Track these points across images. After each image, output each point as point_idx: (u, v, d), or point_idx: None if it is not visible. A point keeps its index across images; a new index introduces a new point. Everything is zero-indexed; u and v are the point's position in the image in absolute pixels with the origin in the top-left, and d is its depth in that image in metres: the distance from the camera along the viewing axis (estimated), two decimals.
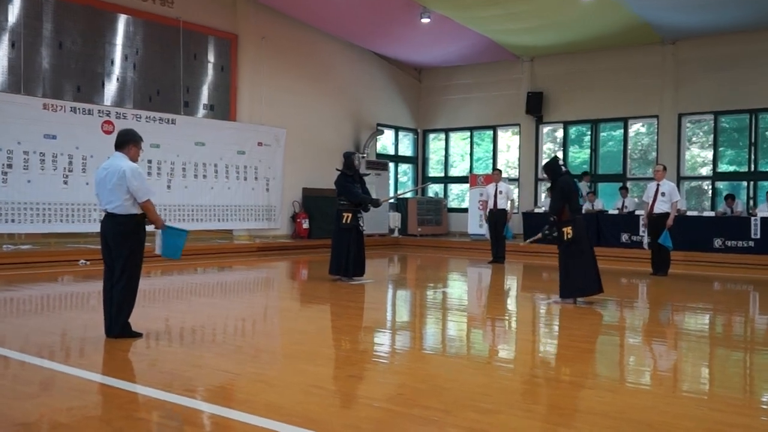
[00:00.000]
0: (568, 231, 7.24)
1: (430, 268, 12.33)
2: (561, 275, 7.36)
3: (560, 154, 16.80)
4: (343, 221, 8.98)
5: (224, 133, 14.22)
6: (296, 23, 15.64)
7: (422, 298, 8.31)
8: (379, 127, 18.09)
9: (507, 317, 7.04)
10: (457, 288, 9.82)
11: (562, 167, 7.38)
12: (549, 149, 17.91)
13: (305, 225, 15.34)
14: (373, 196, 9.57)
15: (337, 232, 9.04)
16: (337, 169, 9.38)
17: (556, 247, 7.52)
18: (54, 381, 4.13)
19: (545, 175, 7.53)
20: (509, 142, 18.74)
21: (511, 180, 17.34)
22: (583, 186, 15.31)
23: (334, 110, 16.76)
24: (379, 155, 18.27)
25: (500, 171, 12.72)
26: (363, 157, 16.31)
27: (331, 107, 16.63)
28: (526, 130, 17.70)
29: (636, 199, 15.03)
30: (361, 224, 9.10)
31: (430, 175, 19.60)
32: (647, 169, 16.31)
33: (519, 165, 18.01)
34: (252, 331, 6.04)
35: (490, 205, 12.18)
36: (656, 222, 10.36)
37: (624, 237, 13.83)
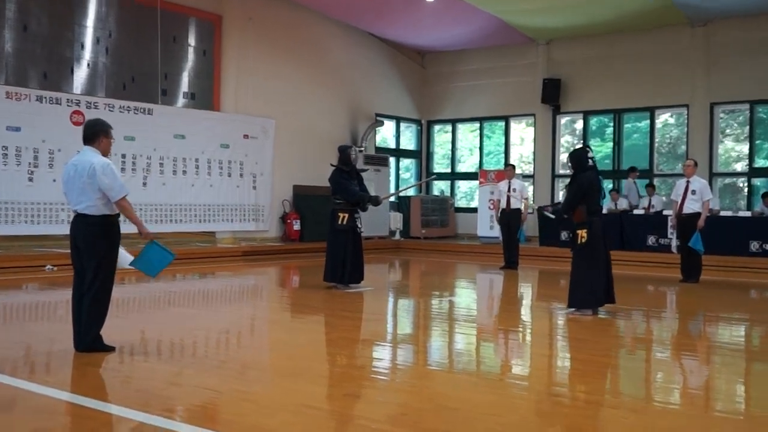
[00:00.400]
0: (582, 234, 7.25)
1: (435, 274, 12.37)
2: (571, 282, 7.41)
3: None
4: (339, 222, 9.00)
5: (206, 125, 14.25)
6: (286, 2, 15.61)
7: (427, 307, 8.33)
8: (379, 118, 18.10)
9: (520, 329, 7.07)
10: (466, 296, 9.86)
11: (590, 160, 7.35)
12: (567, 142, 17.94)
13: (296, 226, 15.34)
14: (372, 193, 9.51)
15: (332, 234, 9.06)
16: (332, 164, 9.39)
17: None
18: (16, 400, 4.13)
19: (569, 164, 7.52)
20: (523, 134, 18.74)
21: (525, 177, 17.32)
22: (629, 183, 15.27)
23: (329, 99, 16.77)
24: (378, 149, 18.31)
25: (513, 166, 12.75)
26: (360, 151, 16.35)
27: (325, 96, 16.64)
28: (541, 121, 17.71)
29: (664, 198, 15.05)
30: (359, 225, 9.12)
31: (436, 170, 19.64)
32: (676, 165, 16.32)
33: (534, 160, 18.03)
34: (237, 345, 6.06)
35: (503, 204, 12.23)
36: (686, 223, 10.39)
37: (651, 240, 13.83)
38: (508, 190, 12.11)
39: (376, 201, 9.13)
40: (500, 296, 9.82)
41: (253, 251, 13.81)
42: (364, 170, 9.76)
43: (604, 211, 13.06)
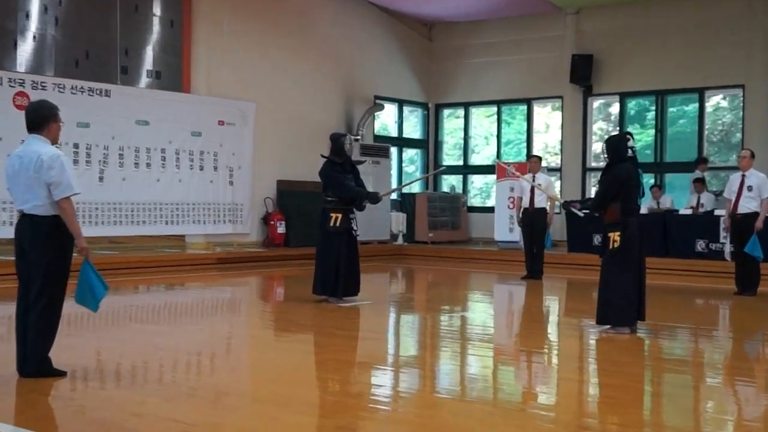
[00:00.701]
0: (615, 237, 7.27)
1: (444, 285, 12.45)
2: (599, 294, 7.46)
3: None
4: (331, 224, 9.02)
5: (174, 109, 14.19)
6: None
7: (435, 324, 8.34)
8: (378, 101, 18.03)
9: (545, 350, 7.09)
10: (481, 312, 9.88)
11: (630, 150, 7.39)
12: (601, 129, 17.80)
13: (281, 229, 15.38)
14: (370, 190, 9.60)
15: (323, 238, 9.09)
16: (323, 156, 9.41)
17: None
18: None
19: (604, 153, 7.55)
20: (548, 120, 18.68)
21: (550, 170, 17.20)
22: (696, 178, 14.94)
23: (319, 79, 16.70)
24: (377, 137, 18.32)
25: (539, 158, 12.75)
26: (356, 140, 16.32)
27: (314, 75, 16.64)
28: (570, 104, 17.68)
29: (715, 196, 14.89)
30: (355, 228, 9.15)
31: (445, 163, 19.59)
32: (730, 156, 16.26)
33: (561, 150, 17.98)
34: (210, 369, 6.09)
35: (525, 202, 12.22)
36: (742, 225, 10.39)
37: (699, 245, 13.81)
38: (533, 187, 12.01)
39: (374, 198, 9.15)
40: (521, 311, 9.86)
41: (230, 258, 13.89)
42: (360, 162, 9.83)
43: (643, 210, 12.86)
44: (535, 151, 17.17)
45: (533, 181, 11.98)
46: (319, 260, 9.09)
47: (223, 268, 13.33)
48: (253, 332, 7.94)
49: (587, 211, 7.95)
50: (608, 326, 7.39)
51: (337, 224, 9.00)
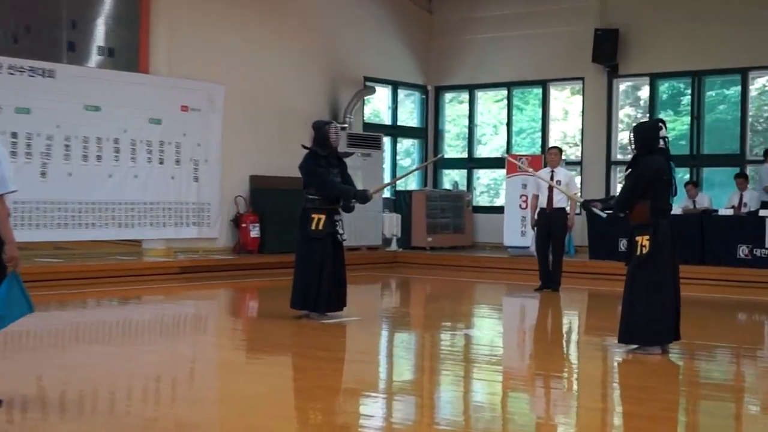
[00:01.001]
0: (644, 242, 7.28)
1: (445, 298, 12.36)
2: (624, 307, 7.44)
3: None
4: (313, 227, 9.00)
5: (130, 92, 14.09)
6: None
7: (434, 344, 8.31)
8: (369, 84, 17.97)
9: (564, 374, 7.07)
10: (488, 329, 9.85)
11: (661, 140, 7.42)
12: (628, 116, 17.70)
13: (254, 233, 15.27)
14: (359, 187, 9.55)
15: (304, 243, 9.07)
16: (304, 147, 9.41)
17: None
18: None
19: (631, 143, 7.61)
20: (567, 105, 18.63)
21: (569, 164, 16.95)
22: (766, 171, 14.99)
23: (300, 57, 16.64)
24: (367, 125, 18.28)
25: (559, 149, 12.77)
26: (343, 129, 16.30)
27: (294, 52, 16.51)
28: (592, 87, 17.66)
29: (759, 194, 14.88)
30: (341, 231, 9.13)
31: (447, 156, 19.47)
32: None
33: (582, 141, 17.95)
34: (171, 397, 6.05)
35: (542, 202, 12.18)
36: None
37: (742, 250, 13.81)
38: (551, 183, 11.73)
39: (364, 197, 9.12)
40: (535, 329, 9.82)
41: (195, 267, 13.82)
42: (348, 154, 10.08)
43: (677, 210, 13.02)
44: (552, 142, 17.09)
45: (552, 176, 11.91)
46: (298, 269, 9.03)
47: (187, 278, 13.21)
48: (222, 354, 7.87)
49: (610, 212, 7.95)
50: (635, 346, 7.39)
51: (320, 227, 8.96)
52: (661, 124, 7.61)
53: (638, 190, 7.34)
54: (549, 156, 12.61)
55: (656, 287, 7.25)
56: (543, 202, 12.14)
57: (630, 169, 7.54)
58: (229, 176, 15.40)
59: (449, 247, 17.62)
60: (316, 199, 9.04)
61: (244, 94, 15.61)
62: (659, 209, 7.34)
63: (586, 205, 8.41)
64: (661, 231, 7.27)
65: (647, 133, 7.48)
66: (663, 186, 7.36)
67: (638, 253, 7.30)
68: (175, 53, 14.83)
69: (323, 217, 8.98)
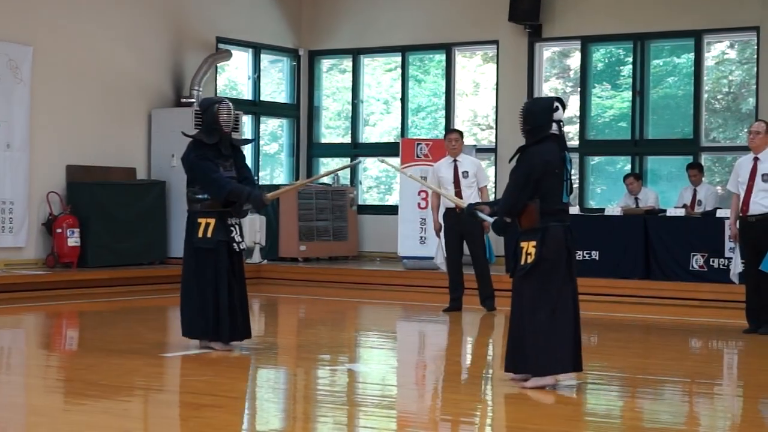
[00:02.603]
0: (529, 248, 7.33)
1: (323, 323, 12.42)
2: (511, 329, 7.62)
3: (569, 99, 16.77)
4: (200, 234, 8.89)
5: None
6: None
7: (309, 383, 8.33)
8: (223, 46, 17.43)
9: (475, 418, 7.05)
10: (378, 363, 9.77)
11: (554, 124, 7.50)
12: (555, 89, 17.56)
13: (73, 240, 14.53)
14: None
15: (191, 254, 9.01)
16: (185, 134, 9.32)
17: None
18: None
19: (522, 126, 7.62)
20: (478, 76, 18.46)
21: (481, 152, 16.97)
22: (691, 164, 15.02)
23: (133, 13, 16.05)
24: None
25: (460, 133, 12.55)
26: (189, 105, 15.79)
27: (125, 7, 15.93)
28: (510, 53, 17.24)
29: (719, 189, 15.11)
30: (237, 239, 9.06)
31: (323, 141, 19.18)
32: (740, 130, 16.13)
33: (496, 121, 17.51)
34: None
35: (446, 200, 11.82)
36: (755, 231, 10.44)
37: (695, 260, 13.61)
38: (456, 174, 11.99)
39: (258, 200, 9.05)
40: (438, 361, 9.82)
41: None
42: (247, 141, 10.43)
43: (616, 210, 13.88)
44: (458, 123, 17.42)
45: (455, 168, 12.12)
46: (185, 287, 9.04)
47: None
48: (32, 400, 7.51)
49: (497, 217, 7.94)
50: (526, 376, 7.48)
51: (209, 235, 8.88)
52: (557, 103, 7.59)
53: (527, 190, 7.39)
54: (448, 143, 12.43)
55: (546, 302, 7.32)
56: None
57: (517, 162, 7.59)
58: (40, 166, 14.86)
59: (328, 258, 17.53)
60: (203, 199, 8.98)
61: (59, 59, 15.02)
62: (550, 210, 7.37)
63: (471, 210, 8.47)
64: (551, 236, 7.30)
65: (539, 115, 7.55)
66: (554, 182, 7.40)
67: (523, 262, 7.35)
68: None
69: (212, 221, 8.92)
